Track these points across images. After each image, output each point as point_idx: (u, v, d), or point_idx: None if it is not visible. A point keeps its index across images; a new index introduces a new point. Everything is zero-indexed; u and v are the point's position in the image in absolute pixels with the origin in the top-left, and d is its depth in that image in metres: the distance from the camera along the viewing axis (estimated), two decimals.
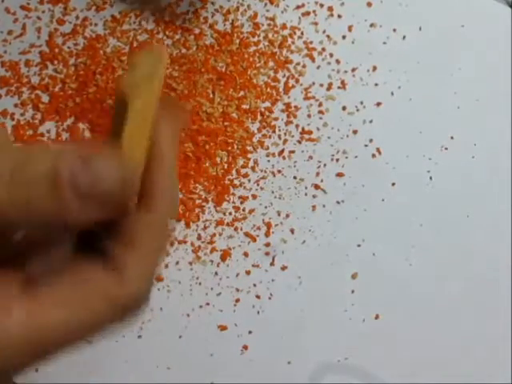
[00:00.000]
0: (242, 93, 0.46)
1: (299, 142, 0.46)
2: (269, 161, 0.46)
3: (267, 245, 0.45)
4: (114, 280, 0.20)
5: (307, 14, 0.48)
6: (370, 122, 0.47)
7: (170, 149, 0.22)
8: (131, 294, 0.20)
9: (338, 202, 0.46)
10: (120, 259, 0.20)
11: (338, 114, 0.47)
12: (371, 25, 0.48)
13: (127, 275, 0.20)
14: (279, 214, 0.45)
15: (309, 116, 0.46)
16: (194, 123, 0.45)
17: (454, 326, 0.46)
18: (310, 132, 0.46)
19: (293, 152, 0.46)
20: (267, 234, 0.45)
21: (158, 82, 0.21)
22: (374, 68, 0.48)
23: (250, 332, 0.44)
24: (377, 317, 0.45)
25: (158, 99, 0.21)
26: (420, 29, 0.48)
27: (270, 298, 0.44)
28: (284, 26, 0.47)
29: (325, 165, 0.46)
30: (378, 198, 0.46)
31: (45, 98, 0.45)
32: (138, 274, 0.20)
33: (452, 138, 0.48)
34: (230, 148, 0.45)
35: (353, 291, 0.45)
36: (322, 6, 0.48)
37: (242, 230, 0.45)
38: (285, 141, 0.46)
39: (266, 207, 0.45)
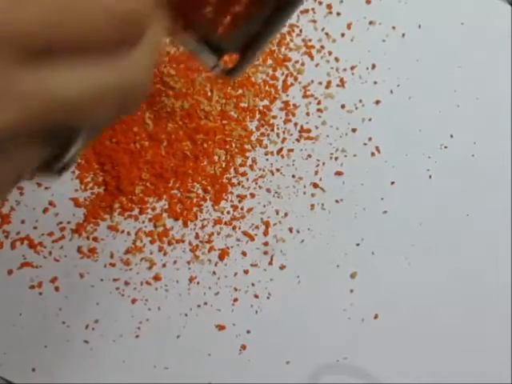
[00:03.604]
0: (240, 91, 0.45)
1: (298, 140, 0.46)
2: (267, 159, 0.45)
3: (266, 244, 0.45)
4: None
5: (306, 11, 0.47)
6: (369, 120, 0.47)
7: None
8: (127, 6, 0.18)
9: (336, 201, 0.46)
10: None
11: (337, 113, 0.46)
12: (370, 22, 0.48)
13: None
14: (278, 213, 0.45)
15: (307, 114, 0.46)
16: (191, 121, 0.44)
17: (453, 326, 0.45)
18: (309, 130, 0.46)
19: (291, 150, 0.46)
20: (265, 233, 0.45)
21: None
22: (373, 66, 0.47)
23: (248, 332, 0.44)
24: (376, 316, 0.45)
25: None
26: (419, 26, 0.48)
27: (268, 298, 0.44)
28: None
29: (323, 163, 0.46)
30: (377, 196, 0.46)
31: None
32: None
33: (452, 136, 0.47)
34: (228, 146, 0.45)
35: (352, 291, 0.45)
36: (320, 3, 0.48)
37: (240, 228, 0.44)
38: (283, 139, 0.46)
39: (264, 206, 0.45)
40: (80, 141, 0.21)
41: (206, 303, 0.44)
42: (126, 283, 0.43)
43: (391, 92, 0.47)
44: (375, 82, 0.47)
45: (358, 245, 0.45)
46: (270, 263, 0.44)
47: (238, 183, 0.45)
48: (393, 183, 0.46)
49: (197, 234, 0.44)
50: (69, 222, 0.43)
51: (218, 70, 0.33)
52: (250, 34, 0.32)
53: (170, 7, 0.29)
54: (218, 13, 0.31)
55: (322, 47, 0.47)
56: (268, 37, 0.32)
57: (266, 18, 0.31)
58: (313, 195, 0.46)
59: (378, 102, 0.47)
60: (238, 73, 0.34)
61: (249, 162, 0.45)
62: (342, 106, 0.47)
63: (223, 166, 0.45)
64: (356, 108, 0.47)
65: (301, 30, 0.47)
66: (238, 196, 0.45)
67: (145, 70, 0.21)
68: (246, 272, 0.44)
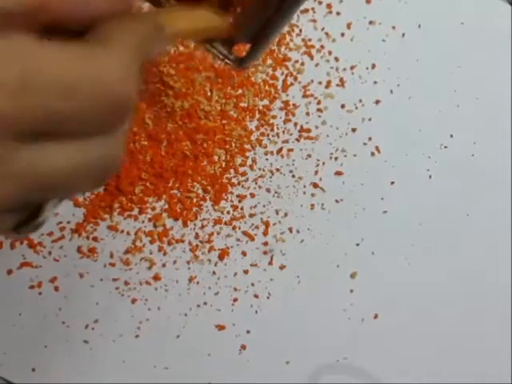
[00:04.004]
0: (239, 91, 0.45)
1: (298, 140, 0.46)
2: (267, 159, 0.45)
3: (265, 244, 0.44)
4: (96, 45, 0.21)
5: (306, 11, 0.47)
6: (369, 120, 0.47)
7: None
8: (113, 61, 0.20)
9: (336, 201, 0.46)
10: (103, 31, 0.21)
11: (337, 112, 0.46)
12: (370, 22, 0.48)
13: (109, 42, 0.21)
14: (277, 213, 0.45)
15: (307, 114, 0.46)
16: (191, 121, 0.44)
17: (453, 326, 0.45)
18: (309, 130, 0.46)
19: (291, 150, 0.46)
20: (265, 233, 0.45)
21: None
22: (373, 66, 0.47)
23: (248, 332, 0.44)
24: (376, 316, 0.45)
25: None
26: (419, 26, 0.48)
27: (268, 298, 0.44)
28: None
29: (323, 163, 0.46)
30: (377, 196, 0.46)
31: None
32: (121, 45, 0.21)
33: (452, 136, 0.47)
34: (227, 146, 0.45)
35: (352, 291, 0.45)
36: (320, 3, 0.47)
37: (240, 228, 0.44)
38: (283, 139, 0.46)
39: (264, 206, 0.45)
40: (53, 206, 0.23)
41: (205, 303, 0.44)
42: (126, 283, 0.43)
43: (391, 92, 0.47)
44: (375, 82, 0.47)
45: (357, 245, 0.45)
46: (270, 263, 0.44)
47: (238, 183, 0.45)
48: (393, 183, 0.46)
49: (197, 233, 0.44)
50: (68, 222, 0.43)
51: (230, 60, 0.33)
52: (260, 23, 0.32)
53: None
54: (228, 3, 0.31)
55: (322, 47, 0.47)
56: (278, 27, 0.32)
57: (276, 8, 0.31)
58: (313, 195, 0.45)
59: (377, 102, 0.47)
60: (249, 63, 0.34)
61: (249, 161, 0.45)
62: (342, 106, 0.47)
63: (223, 165, 0.45)
64: (356, 108, 0.47)
65: (300, 30, 0.47)
66: (237, 196, 0.45)
67: (122, 148, 0.23)
68: (245, 272, 0.44)
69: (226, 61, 0.34)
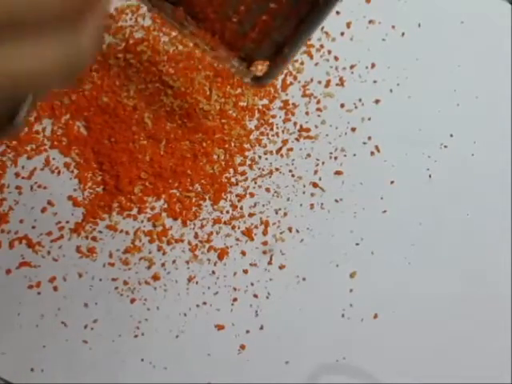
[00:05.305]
0: (239, 90, 0.45)
1: (297, 139, 0.46)
2: (266, 159, 0.45)
3: (265, 243, 0.44)
4: None
5: None
6: (369, 119, 0.47)
7: None
8: None
9: (336, 201, 0.45)
10: None
11: (337, 112, 0.46)
12: (370, 21, 0.48)
13: None
14: (277, 213, 0.45)
15: (307, 113, 0.46)
16: (190, 121, 0.44)
17: (453, 326, 0.45)
18: (308, 129, 0.46)
19: (291, 150, 0.46)
20: (265, 233, 0.44)
21: None
22: (373, 65, 0.47)
23: (247, 331, 0.44)
24: (375, 316, 0.45)
25: None
26: (419, 25, 0.48)
27: (267, 298, 0.44)
28: None
29: (323, 163, 0.46)
30: (376, 196, 0.46)
31: None
32: None
33: (451, 135, 0.47)
34: (227, 146, 0.45)
35: (351, 290, 0.45)
36: None
37: (239, 228, 0.44)
38: (283, 138, 0.46)
39: (263, 205, 0.45)
40: (29, 101, 0.23)
41: (205, 303, 0.43)
42: (125, 283, 0.43)
43: (391, 91, 0.47)
44: (375, 81, 0.47)
45: (357, 244, 0.45)
46: (270, 263, 0.44)
47: (237, 183, 0.45)
48: (392, 182, 0.46)
49: (196, 233, 0.44)
50: (67, 222, 0.43)
51: (248, 77, 0.33)
52: (279, 41, 0.32)
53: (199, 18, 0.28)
54: (246, 21, 0.31)
55: (322, 46, 0.47)
56: (298, 44, 0.32)
57: (295, 26, 0.31)
58: (312, 195, 0.45)
59: (377, 101, 0.47)
60: (268, 80, 0.34)
61: (248, 161, 0.45)
62: (342, 105, 0.47)
63: (222, 165, 0.45)
64: (355, 107, 0.47)
65: None
66: (237, 195, 0.45)
67: (91, 39, 0.22)
68: (245, 272, 0.44)
69: (245, 79, 0.34)
